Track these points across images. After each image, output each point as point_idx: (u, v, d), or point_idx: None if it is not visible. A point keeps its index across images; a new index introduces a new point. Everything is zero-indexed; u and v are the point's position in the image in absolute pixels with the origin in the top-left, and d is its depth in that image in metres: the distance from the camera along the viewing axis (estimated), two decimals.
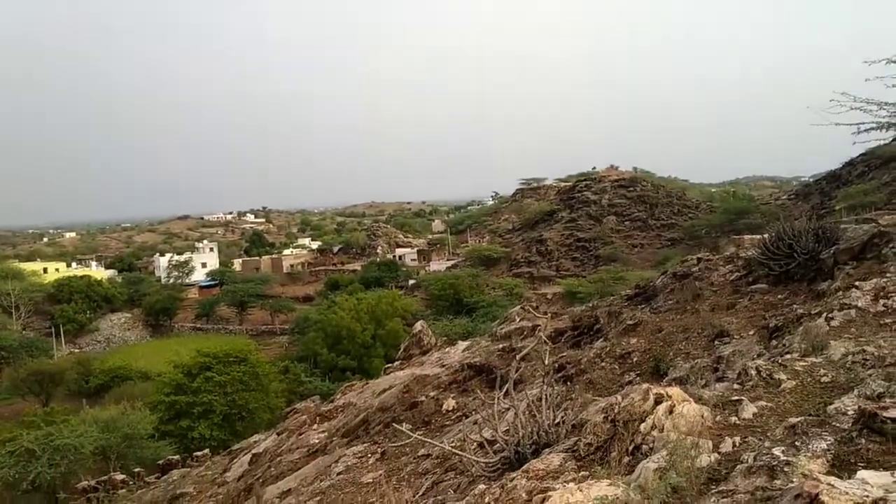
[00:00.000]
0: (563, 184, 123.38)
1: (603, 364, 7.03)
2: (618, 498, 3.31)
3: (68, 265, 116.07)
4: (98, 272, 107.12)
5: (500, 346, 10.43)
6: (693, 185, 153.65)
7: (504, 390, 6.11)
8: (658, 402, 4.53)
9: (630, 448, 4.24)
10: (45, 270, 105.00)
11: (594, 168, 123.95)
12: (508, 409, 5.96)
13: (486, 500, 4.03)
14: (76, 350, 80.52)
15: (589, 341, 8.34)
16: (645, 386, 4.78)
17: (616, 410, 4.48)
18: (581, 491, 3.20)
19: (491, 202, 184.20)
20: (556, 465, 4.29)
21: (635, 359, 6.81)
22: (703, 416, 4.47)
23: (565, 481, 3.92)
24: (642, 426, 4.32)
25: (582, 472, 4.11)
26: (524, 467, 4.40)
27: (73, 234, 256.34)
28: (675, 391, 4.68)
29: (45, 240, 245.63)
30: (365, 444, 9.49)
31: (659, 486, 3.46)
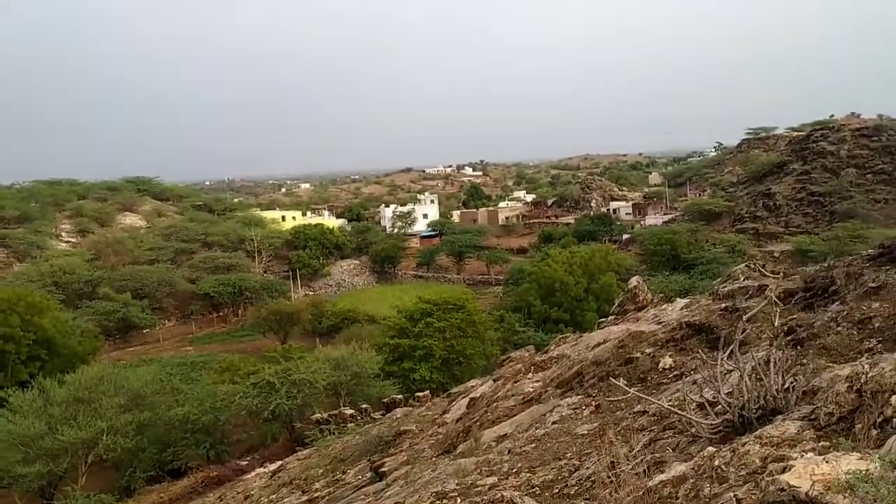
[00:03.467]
0: (795, 133, 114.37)
1: (839, 329, 6.57)
2: (870, 473, 3.11)
3: (303, 214, 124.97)
4: (330, 221, 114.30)
5: (722, 305, 10.04)
6: None
7: (728, 351, 5.92)
8: None
9: (878, 421, 3.96)
10: (283, 218, 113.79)
11: (832, 116, 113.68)
12: (732, 371, 5.78)
13: (716, 462, 3.96)
14: (310, 293, 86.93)
15: (823, 304, 7.80)
16: None
17: (863, 380, 4.19)
18: (827, 463, 3.05)
19: (713, 153, 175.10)
20: (793, 433, 4.11)
21: (877, 325, 6.30)
22: None
23: (804, 451, 3.75)
24: (893, 399, 4.03)
25: (822, 443, 3.91)
26: (757, 433, 4.25)
27: (307, 185, 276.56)
28: None
29: (283, 190, 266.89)
30: (579, 396, 9.57)
31: None
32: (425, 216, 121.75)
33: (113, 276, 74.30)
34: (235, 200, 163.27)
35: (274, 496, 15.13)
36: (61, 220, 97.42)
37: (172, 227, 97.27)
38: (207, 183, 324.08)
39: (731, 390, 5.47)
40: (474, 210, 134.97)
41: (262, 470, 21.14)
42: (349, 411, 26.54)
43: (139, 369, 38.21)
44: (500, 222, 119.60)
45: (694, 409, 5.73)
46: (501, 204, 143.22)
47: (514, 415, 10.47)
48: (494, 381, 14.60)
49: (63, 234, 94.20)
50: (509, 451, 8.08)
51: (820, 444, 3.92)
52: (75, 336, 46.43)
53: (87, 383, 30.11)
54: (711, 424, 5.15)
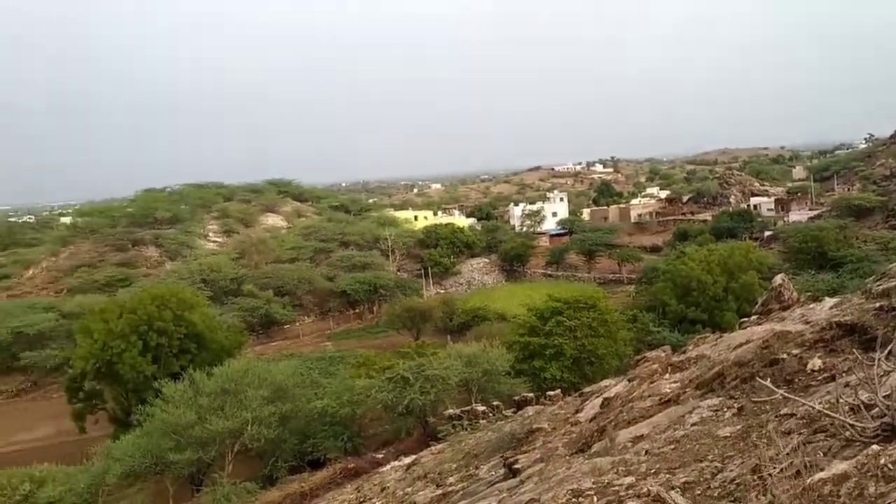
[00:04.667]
0: None
1: None
2: None
3: (434, 213, 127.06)
4: (460, 220, 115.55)
5: (877, 304, 9.42)
6: None
7: (886, 351, 5.58)
8: None
9: None
10: (415, 218, 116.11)
11: None
12: (890, 372, 5.45)
13: (882, 461, 3.77)
14: (441, 291, 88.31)
15: None
16: None
17: None
18: None
19: (863, 145, 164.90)
20: None
21: None
22: None
23: None
24: None
25: None
26: None
27: (438, 186, 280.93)
28: None
29: (415, 191, 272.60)
30: (720, 398, 9.25)
31: None
32: (554, 214, 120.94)
33: (256, 274, 78.26)
34: (370, 201, 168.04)
35: (409, 489, 15.45)
36: (209, 221, 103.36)
37: (311, 227, 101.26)
38: (344, 184, 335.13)
39: (889, 392, 5.17)
40: (605, 207, 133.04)
41: (397, 463, 21.58)
42: (481, 408, 26.67)
43: (281, 363, 39.87)
44: (632, 220, 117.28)
45: (847, 412, 5.44)
46: (633, 201, 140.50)
47: (651, 415, 10.25)
48: (629, 381, 14.31)
49: (210, 234, 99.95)
50: (647, 452, 7.94)
51: None
52: (222, 331, 48.87)
53: (234, 376, 31.67)
54: (868, 427, 4.88)
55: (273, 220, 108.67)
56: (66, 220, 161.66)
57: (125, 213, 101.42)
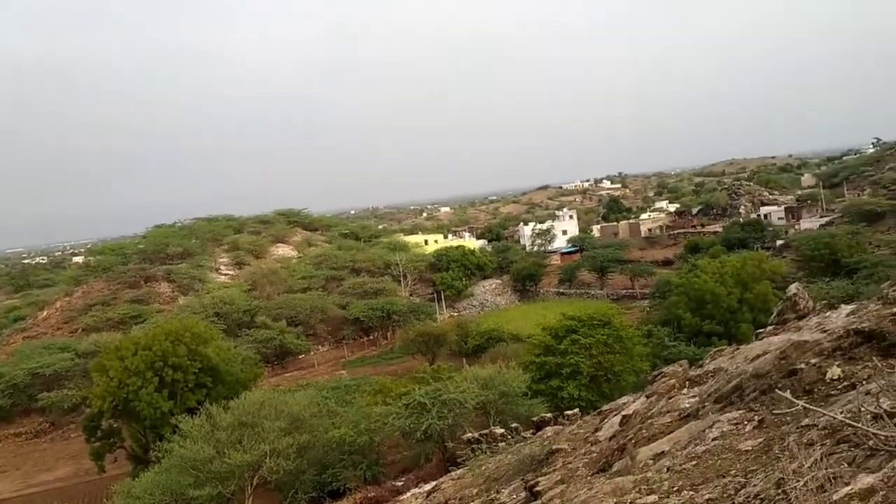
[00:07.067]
0: None
1: None
2: None
3: (445, 237, 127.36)
4: (470, 242, 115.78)
5: (894, 309, 9.31)
6: None
7: None
8: None
9: None
10: (426, 242, 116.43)
11: None
12: None
13: None
14: (455, 314, 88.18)
15: None
16: None
17: None
18: None
19: (871, 150, 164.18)
20: None
21: None
22: None
23: None
24: None
25: None
26: None
27: (447, 209, 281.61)
28: None
29: (425, 215, 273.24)
30: (740, 411, 9.13)
31: None
32: (564, 232, 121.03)
33: (269, 304, 78.30)
34: (380, 227, 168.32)
35: None
36: (220, 254, 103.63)
37: (322, 255, 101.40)
38: (353, 212, 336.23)
39: None
40: (615, 223, 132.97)
41: (417, 490, 21.39)
42: (499, 430, 26.45)
43: (297, 394, 39.64)
44: (642, 234, 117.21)
45: (870, 421, 5.36)
46: (643, 216, 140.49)
47: (671, 431, 10.13)
48: (647, 397, 14.17)
49: (222, 267, 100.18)
50: (668, 469, 7.84)
51: None
52: (237, 364, 48.77)
53: (250, 408, 31.53)
54: (892, 436, 4.81)
55: (283, 250, 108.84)
56: (79, 259, 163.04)
57: (137, 250, 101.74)
